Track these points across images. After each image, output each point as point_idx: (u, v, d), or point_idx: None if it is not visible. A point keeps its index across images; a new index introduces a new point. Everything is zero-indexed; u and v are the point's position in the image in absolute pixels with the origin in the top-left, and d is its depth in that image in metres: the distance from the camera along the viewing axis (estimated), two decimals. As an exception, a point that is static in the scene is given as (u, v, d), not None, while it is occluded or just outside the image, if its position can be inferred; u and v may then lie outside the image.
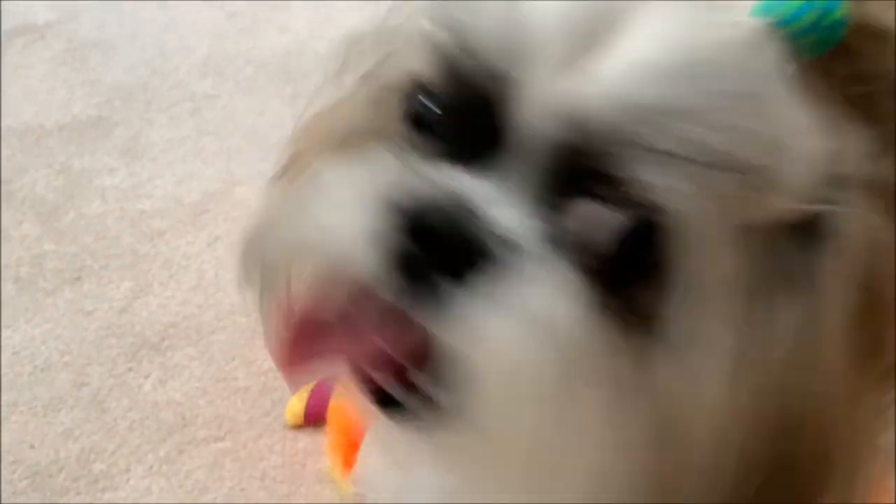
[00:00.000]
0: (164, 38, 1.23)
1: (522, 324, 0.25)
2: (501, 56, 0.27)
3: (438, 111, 0.30)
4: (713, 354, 0.26)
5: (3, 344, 0.80)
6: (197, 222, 0.93)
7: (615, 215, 0.26)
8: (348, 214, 0.27)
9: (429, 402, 0.27)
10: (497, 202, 0.26)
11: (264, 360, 0.79)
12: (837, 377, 0.28)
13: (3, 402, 0.75)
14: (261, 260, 0.33)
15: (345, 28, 1.24)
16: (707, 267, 0.26)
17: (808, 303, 0.27)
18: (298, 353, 0.29)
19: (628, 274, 0.27)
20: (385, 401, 0.28)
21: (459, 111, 0.29)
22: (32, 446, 0.72)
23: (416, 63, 0.31)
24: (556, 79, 0.26)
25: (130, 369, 0.78)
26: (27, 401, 0.76)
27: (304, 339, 0.29)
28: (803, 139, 0.26)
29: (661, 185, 0.25)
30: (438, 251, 0.26)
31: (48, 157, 1.02)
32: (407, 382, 0.27)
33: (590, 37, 0.26)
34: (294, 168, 0.37)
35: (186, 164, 1.01)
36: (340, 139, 0.35)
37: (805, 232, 0.27)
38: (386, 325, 0.27)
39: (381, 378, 0.27)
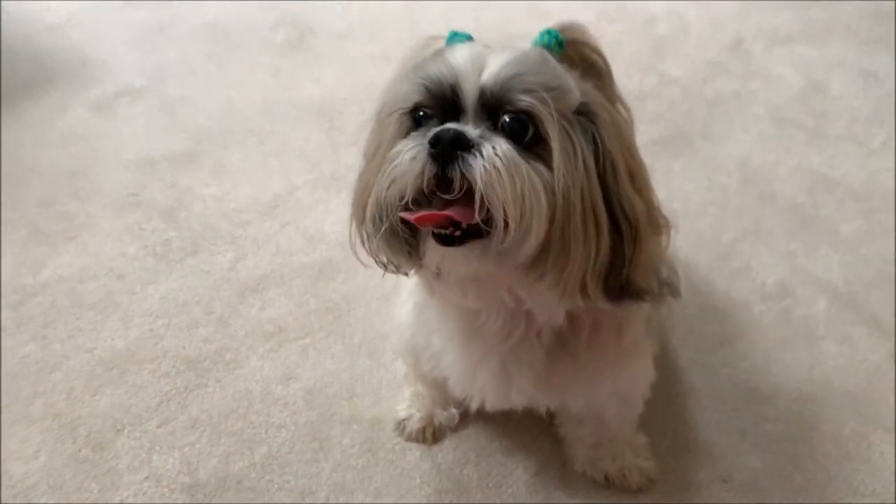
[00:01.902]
0: (230, 92, 1.67)
1: (498, 159, 0.63)
2: (455, 80, 0.67)
3: (433, 107, 0.69)
4: (563, 164, 0.64)
5: (152, 293, 1.22)
6: (272, 214, 1.35)
7: (515, 117, 0.66)
8: (415, 152, 0.65)
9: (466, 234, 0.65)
10: (467, 126, 0.66)
11: (332, 292, 1.20)
12: (629, 189, 0.68)
13: (159, 325, 1.17)
14: (377, 195, 0.68)
15: (362, 78, 1.74)
16: (556, 133, 0.65)
17: (595, 147, 0.67)
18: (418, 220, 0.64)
19: (527, 140, 0.65)
20: (444, 240, 0.65)
21: (444, 105, 0.68)
22: (184, 347, 1.13)
23: (414, 94, 0.69)
24: (479, 81, 0.66)
25: (241, 302, 1.19)
26: (175, 323, 1.17)
27: (417, 219, 0.65)
28: (569, 80, 0.67)
29: (529, 102, 0.65)
30: (454, 146, 0.63)
31: (160, 178, 1.45)
32: (454, 231, 0.64)
33: (481, 65, 0.66)
34: (377, 155, 0.72)
35: (259, 178, 1.43)
36: (392, 138, 0.71)
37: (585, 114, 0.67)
38: (441, 207, 0.65)
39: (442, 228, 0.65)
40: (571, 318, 0.78)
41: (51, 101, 1.66)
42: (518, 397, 0.85)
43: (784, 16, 1.90)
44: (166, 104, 1.64)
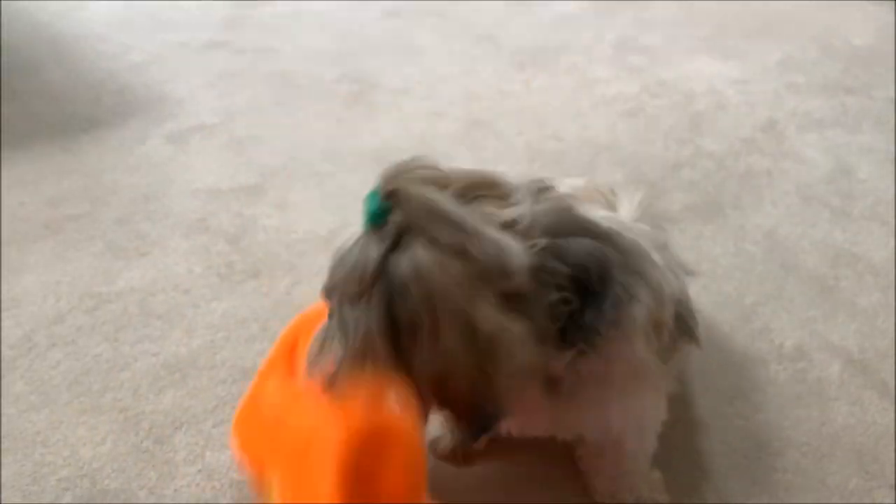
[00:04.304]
0: (295, 135, 1.81)
1: None
2: None
3: None
4: None
5: (215, 308, 1.33)
6: (326, 246, 1.47)
7: None
8: None
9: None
10: None
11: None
12: None
13: (219, 337, 1.27)
14: None
15: (416, 132, 1.89)
16: None
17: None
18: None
19: None
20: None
21: None
22: (241, 359, 1.23)
23: None
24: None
25: (294, 323, 1.30)
26: (234, 337, 1.27)
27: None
28: None
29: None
30: None
31: (227, 207, 1.57)
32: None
33: None
34: None
35: (317, 214, 1.55)
36: None
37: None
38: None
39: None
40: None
41: (131, 131, 1.81)
42: (538, 430, 0.95)
43: (818, 102, 2.01)
44: (236, 141, 1.78)
